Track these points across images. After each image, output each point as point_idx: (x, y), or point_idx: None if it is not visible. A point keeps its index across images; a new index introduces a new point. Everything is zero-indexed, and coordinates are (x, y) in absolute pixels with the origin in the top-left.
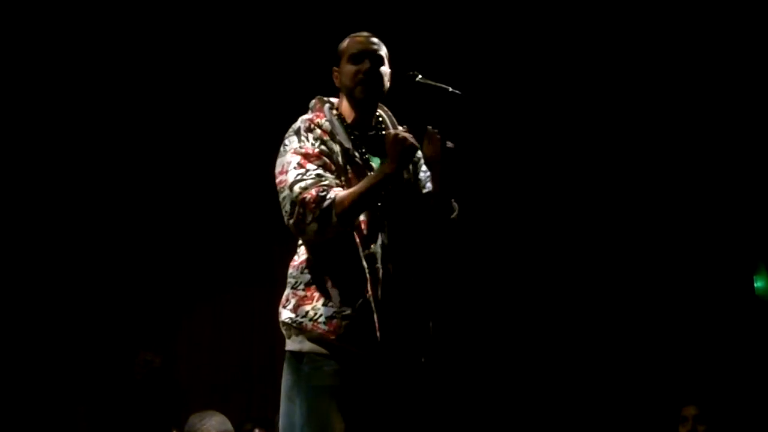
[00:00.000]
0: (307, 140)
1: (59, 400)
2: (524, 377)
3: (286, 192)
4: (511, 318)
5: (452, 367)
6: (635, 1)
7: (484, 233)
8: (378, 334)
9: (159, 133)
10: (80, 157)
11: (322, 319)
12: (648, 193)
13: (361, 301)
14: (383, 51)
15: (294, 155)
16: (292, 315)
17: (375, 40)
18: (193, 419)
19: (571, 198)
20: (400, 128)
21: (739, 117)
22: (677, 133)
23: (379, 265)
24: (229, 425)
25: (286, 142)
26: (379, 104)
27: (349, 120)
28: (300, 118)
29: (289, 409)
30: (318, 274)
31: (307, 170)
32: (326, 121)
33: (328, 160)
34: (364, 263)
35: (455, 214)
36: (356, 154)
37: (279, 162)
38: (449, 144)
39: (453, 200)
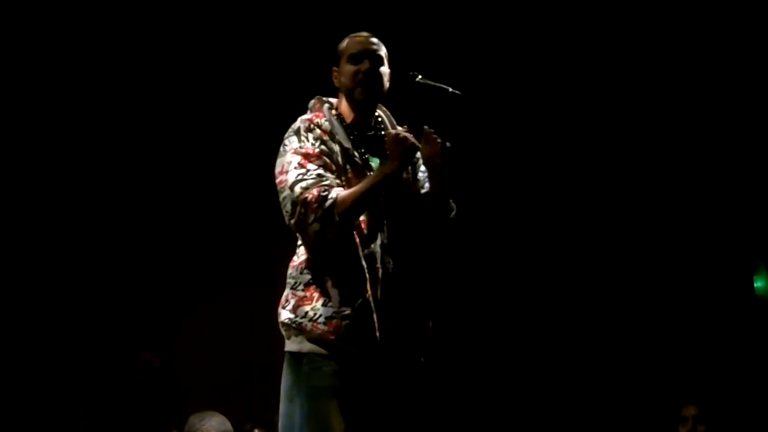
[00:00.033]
0: (307, 140)
1: (59, 400)
2: (524, 377)
3: (287, 192)
4: (511, 318)
5: (452, 367)
6: (635, 1)
7: (483, 233)
8: (377, 334)
9: (159, 133)
10: (80, 157)
11: (321, 320)
12: (648, 194)
13: (360, 301)
14: (383, 51)
15: (294, 155)
16: (292, 315)
17: (374, 40)
18: (193, 419)
19: (571, 198)
20: (400, 128)
21: (739, 117)
22: (677, 133)
23: (378, 265)
24: (228, 425)
25: (286, 142)
26: (378, 104)
27: (348, 120)
28: (299, 118)
29: (288, 410)
30: (317, 275)
31: (308, 170)
32: (326, 121)
33: (328, 160)
34: (364, 263)
35: (453, 213)
36: (356, 154)
37: (279, 162)
38: (446, 143)
39: (451, 200)
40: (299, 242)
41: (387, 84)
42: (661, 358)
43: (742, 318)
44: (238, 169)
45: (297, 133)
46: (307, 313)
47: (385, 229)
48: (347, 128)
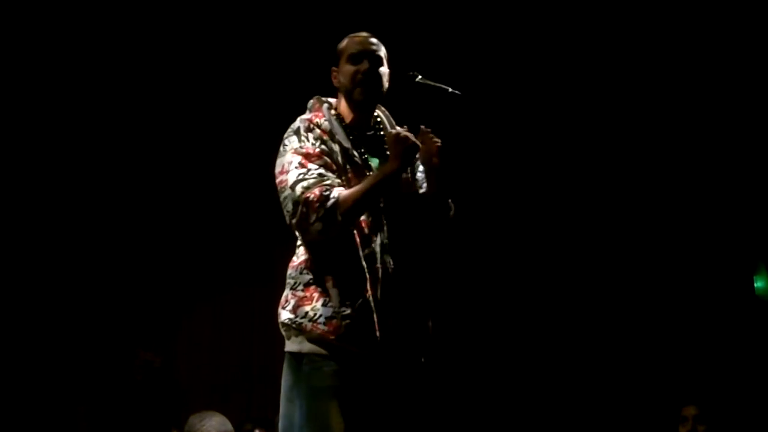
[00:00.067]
0: (308, 140)
1: (59, 400)
2: (524, 377)
3: (288, 192)
4: (511, 318)
5: (452, 367)
6: (635, 1)
7: (483, 233)
8: (378, 334)
9: (159, 133)
10: (80, 157)
11: (321, 320)
12: (648, 194)
13: (360, 301)
14: (382, 51)
15: (295, 155)
16: (292, 316)
17: (374, 40)
18: (193, 419)
19: (571, 198)
20: (399, 128)
21: (739, 117)
22: (677, 133)
23: (378, 264)
24: (229, 426)
25: (286, 142)
26: (377, 104)
27: (347, 120)
28: (298, 118)
29: (288, 410)
30: (317, 275)
31: (309, 170)
32: (325, 120)
33: (329, 160)
34: (364, 263)
35: (451, 213)
36: (355, 153)
37: (279, 162)
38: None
39: (449, 199)
40: (298, 242)
41: (386, 84)
42: (661, 358)
43: (742, 318)
44: (238, 170)
45: (297, 132)
46: (307, 313)
47: (384, 228)
48: (346, 128)
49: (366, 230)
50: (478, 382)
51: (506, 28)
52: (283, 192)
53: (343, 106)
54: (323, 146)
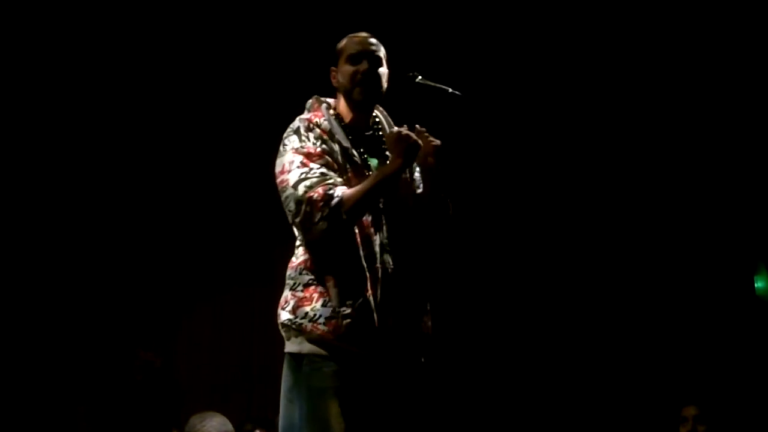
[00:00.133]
0: (308, 140)
1: (59, 400)
2: (524, 377)
3: (290, 191)
4: (511, 318)
5: (452, 367)
6: (635, 1)
7: (484, 233)
8: (378, 334)
9: (159, 133)
10: (80, 157)
11: (321, 320)
12: (648, 194)
13: (361, 300)
14: (381, 52)
15: (296, 154)
16: (291, 316)
17: (373, 40)
18: (194, 420)
19: (572, 198)
20: (396, 128)
21: (739, 117)
22: (677, 133)
23: (378, 264)
24: (229, 426)
25: (286, 141)
26: (376, 105)
27: (346, 120)
28: (297, 118)
29: (289, 411)
30: (317, 275)
31: (311, 169)
32: (325, 120)
33: (330, 159)
34: (364, 263)
35: (450, 211)
36: (355, 153)
37: (279, 162)
38: (437, 141)
39: (447, 199)
40: (297, 243)
41: (385, 85)
42: (661, 359)
43: (742, 318)
44: (238, 170)
45: (297, 132)
46: (307, 313)
47: (383, 228)
48: (345, 128)
49: (366, 230)
50: (478, 382)
51: (506, 28)
52: (284, 192)
53: (342, 106)
54: (324, 146)
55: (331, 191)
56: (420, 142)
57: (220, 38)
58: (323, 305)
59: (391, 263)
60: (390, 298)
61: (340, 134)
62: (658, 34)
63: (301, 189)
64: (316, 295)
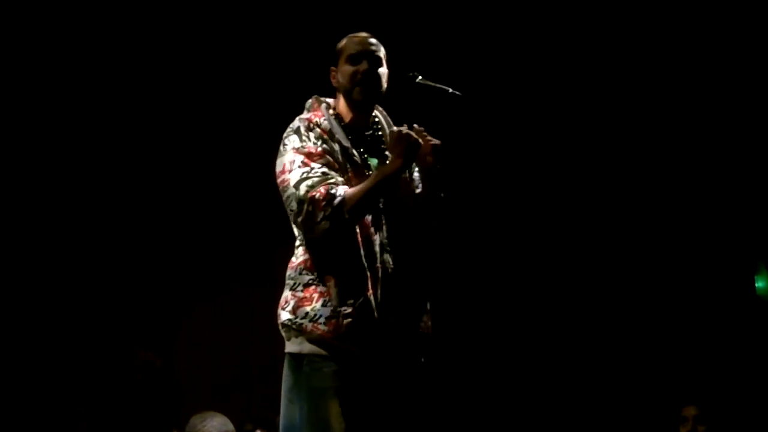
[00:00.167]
0: (309, 139)
1: (59, 401)
2: (524, 377)
3: (292, 191)
4: (511, 318)
5: (452, 367)
6: (635, 1)
7: (484, 233)
8: (378, 333)
9: (159, 133)
10: (80, 157)
11: (321, 320)
12: (648, 194)
13: (361, 300)
14: (381, 52)
15: (297, 154)
16: (292, 317)
17: (373, 40)
18: (194, 420)
19: (572, 198)
20: (396, 128)
21: (739, 117)
22: (677, 133)
23: (378, 264)
24: (230, 426)
25: (286, 141)
26: (375, 105)
27: (346, 120)
28: (297, 118)
29: (289, 411)
30: (317, 275)
31: (312, 168)
32: (324, 120)
33: (331, 159)
34: (365, 262)
35: (444, 209)
36: (355, 153)
37: (279, 162)
38: (435, 140)
39: (440, 196)
40: (297, 243)
41: (385, 85)
42: (661, 358)
43: (742, 318)
44: (238, 170)
45: (297, 132)
46: (307, 313)
47: (383, 228)
48: (345, 128)
49: (366, 229)
50: (478, 382)
51: (506, 28)
52: (285, 191)
53: (342, 106)
54: (324, 145)
55: (333, 190)
56: (421, 141)
57: (220, 38)
58: (323, 305)
59: (391, 263)
60: (390, 297)
61: (340, 134)
62: (658, 34)
63: (303, 188)
64: (316, 295)
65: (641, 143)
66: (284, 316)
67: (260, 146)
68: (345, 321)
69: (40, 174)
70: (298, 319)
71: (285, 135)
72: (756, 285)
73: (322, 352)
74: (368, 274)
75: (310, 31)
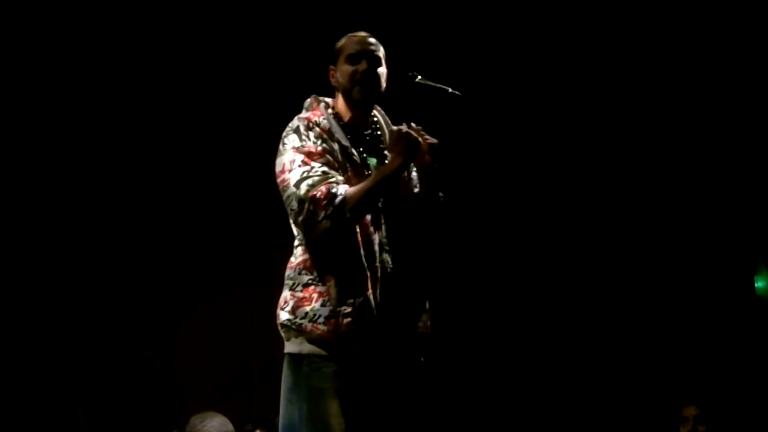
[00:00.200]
0: (309, 138)
1: (59, 401)
2: (524, 377)
3: (292, 190)
4: (511, 318)
5: (452, 367)
6: (635, 1)
7: (484, 233)
8: (377, 333)
9: (159, 133)
10: (80, 157)
11: (321, 320)
12: (648, 194)
13: (360, 300)
14: (381, 52)
15: (297, 153)
16: (291, 317)
17: (373, 40)
18: (195, 420)
19: (572, 198)
20: (396, 127)
21: (739, 117)
22: (677, 133)
23: (378, 263)
24: (230, 426)
25: (286, 141)
26: (375, 104)
27: (345, 119)
28: (296, 117)
29: (289, 411)
30: (316, 275)
31: (313, 167)
32: (324, 119)
33: (330, 158)
34: (364, 262)
35: (443, 208)
36: (354, 152)
37: (279, 161)
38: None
39: (438, 194)
40: (296, 243)
41: (384, 84)
42: (661, 358)
43: (742, 318)
44: (237, 170)
45: (296, 131)
46: (306, 313)
47: (383, 227)
48: (344, 127)
49: (366, 229)
50: (478, 382)
51: (506, 28)
52: (286, 191)
53: (341, 106)
54: (324, 144)
55: (334, 189)
56: (421, 140)
57: (219, 38)
58: (323, 305)
59: (390, 262)
60: (390, 297)
61: (339, 133)
62: (658, 34)
63: (303, 188)
64: (315, 295)
65: (641, 143)
66: (283, 316)
67: (259, 146)
68: (344, 321)
69: (40, 174)
70: (297, 319)
71: (284, 134)
72: (756, 285)
73: (322, 352)
74: (368, 273)
75: (309, 31)
